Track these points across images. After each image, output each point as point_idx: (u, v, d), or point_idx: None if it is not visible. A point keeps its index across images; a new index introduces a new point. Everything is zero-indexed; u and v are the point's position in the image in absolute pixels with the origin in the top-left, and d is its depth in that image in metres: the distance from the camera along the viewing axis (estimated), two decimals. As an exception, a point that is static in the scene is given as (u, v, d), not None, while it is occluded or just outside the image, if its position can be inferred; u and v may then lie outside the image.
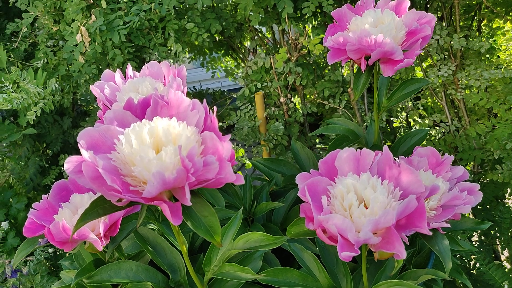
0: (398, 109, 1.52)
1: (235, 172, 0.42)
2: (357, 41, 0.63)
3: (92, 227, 0.55)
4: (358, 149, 0.49)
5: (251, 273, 0.57)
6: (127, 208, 0.59)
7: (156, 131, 0.43)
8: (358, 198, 0.45)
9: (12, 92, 1.20)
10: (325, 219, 0.43)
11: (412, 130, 1.00)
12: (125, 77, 0.64)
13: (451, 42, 1.25)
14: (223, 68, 1.86)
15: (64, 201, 0.60)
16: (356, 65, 0.82)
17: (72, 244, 0.56)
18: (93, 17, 1.23)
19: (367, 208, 0.44)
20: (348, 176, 0.47)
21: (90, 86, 0.58)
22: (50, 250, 1.14)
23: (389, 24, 0.63)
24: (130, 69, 0.64)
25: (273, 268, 0.63)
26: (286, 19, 1.27)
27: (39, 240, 0.57)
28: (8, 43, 1.56)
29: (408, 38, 0.64)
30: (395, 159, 0.48)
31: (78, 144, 0.44)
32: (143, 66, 0.63)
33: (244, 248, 0.59)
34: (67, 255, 0.79)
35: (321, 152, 1.44)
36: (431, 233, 0.42)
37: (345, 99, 1.42)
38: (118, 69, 0.62)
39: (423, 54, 1.44)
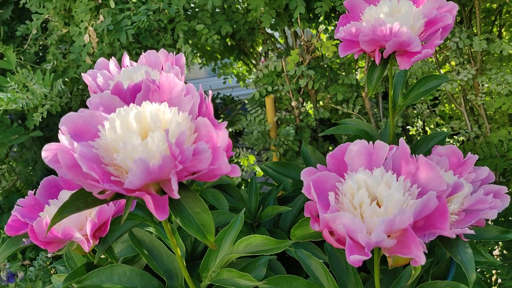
0: (414, 114, 1.46)
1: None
2: (371, 31, 0.58)
3: (79, 226, 0.51)
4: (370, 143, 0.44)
5: (251, 279, 0.51)
6: (119, 207, 0.54)
7: (143, 116, 0.38)
8: (370, 196, 0.40)
9: (17, 92, 1.18)
10: (332, 218, 0.38)
11: (430, 133, 0.95)
12: (120, 67, 0.60)
13: (471, 45, 1.19)
14: (235, 73, 1.82)
15: (53, 198, 0.56)
16: (371, 59, 0.77)
17: (57, 245, 0.51)
18: (101, 17, 1.20)
19: (380, 207, 0.39)
20: (359, 172, 0.42)
21: (82, 74, 0.54)
22: (49, 255, 1.10)
23: (406, 13, 0.59)
24: (126, 59, 0.60)
25: (277, 275, 0.57)
26: (299, 20, 1.23)
27: (23, 240, 0.53)
28: (19, 47, 1.55)
29: (427, 28, 0.59)
30: (413, 155, 0.43)
31: (59, 131, 0.40)
32: (141, 56, 0.59)
33: (245, 252, 0.54)
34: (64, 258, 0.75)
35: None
36: (454, 236, 0.37)
37: (359, 104, 1.36)
38: (112, 57, 0.58)
39: (440, 60, 1.39)
